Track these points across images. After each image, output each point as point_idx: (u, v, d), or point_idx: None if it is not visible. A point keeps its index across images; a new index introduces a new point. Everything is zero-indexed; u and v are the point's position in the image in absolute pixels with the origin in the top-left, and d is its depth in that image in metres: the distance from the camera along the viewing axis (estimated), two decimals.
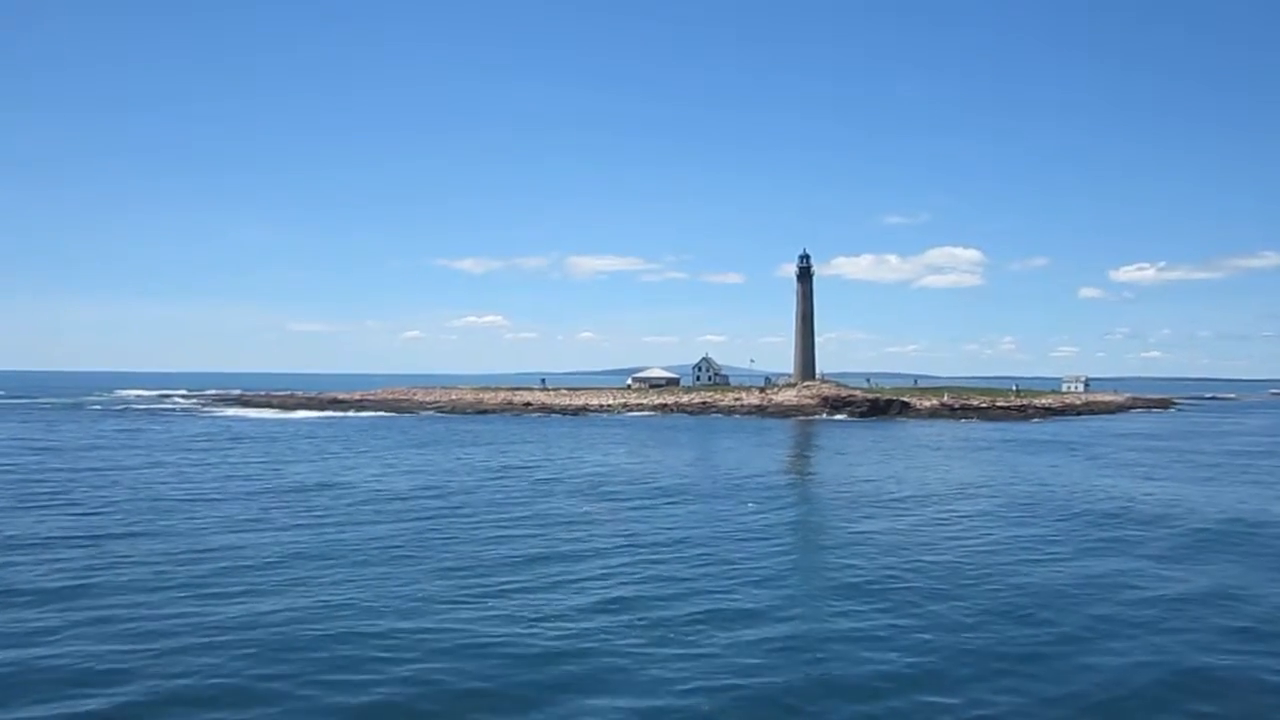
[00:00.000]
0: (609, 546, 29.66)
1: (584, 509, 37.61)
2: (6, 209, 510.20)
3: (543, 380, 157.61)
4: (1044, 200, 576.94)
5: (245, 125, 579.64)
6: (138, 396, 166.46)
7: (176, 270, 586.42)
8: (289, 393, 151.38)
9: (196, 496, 39.89)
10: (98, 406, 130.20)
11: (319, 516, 34.82)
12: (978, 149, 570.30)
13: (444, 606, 21.69)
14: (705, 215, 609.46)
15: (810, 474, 53.99)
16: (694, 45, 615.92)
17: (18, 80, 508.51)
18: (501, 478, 48.51)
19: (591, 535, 31.67)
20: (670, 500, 40.82)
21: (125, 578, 24.15)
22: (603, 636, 19.56)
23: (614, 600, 22.57)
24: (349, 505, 37.90)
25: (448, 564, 26.48)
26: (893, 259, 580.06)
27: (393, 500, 39.48)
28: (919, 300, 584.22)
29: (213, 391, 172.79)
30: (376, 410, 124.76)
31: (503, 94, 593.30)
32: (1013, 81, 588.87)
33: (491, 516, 35.39)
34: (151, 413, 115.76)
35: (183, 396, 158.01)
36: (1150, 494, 44.29)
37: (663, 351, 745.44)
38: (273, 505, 37.52)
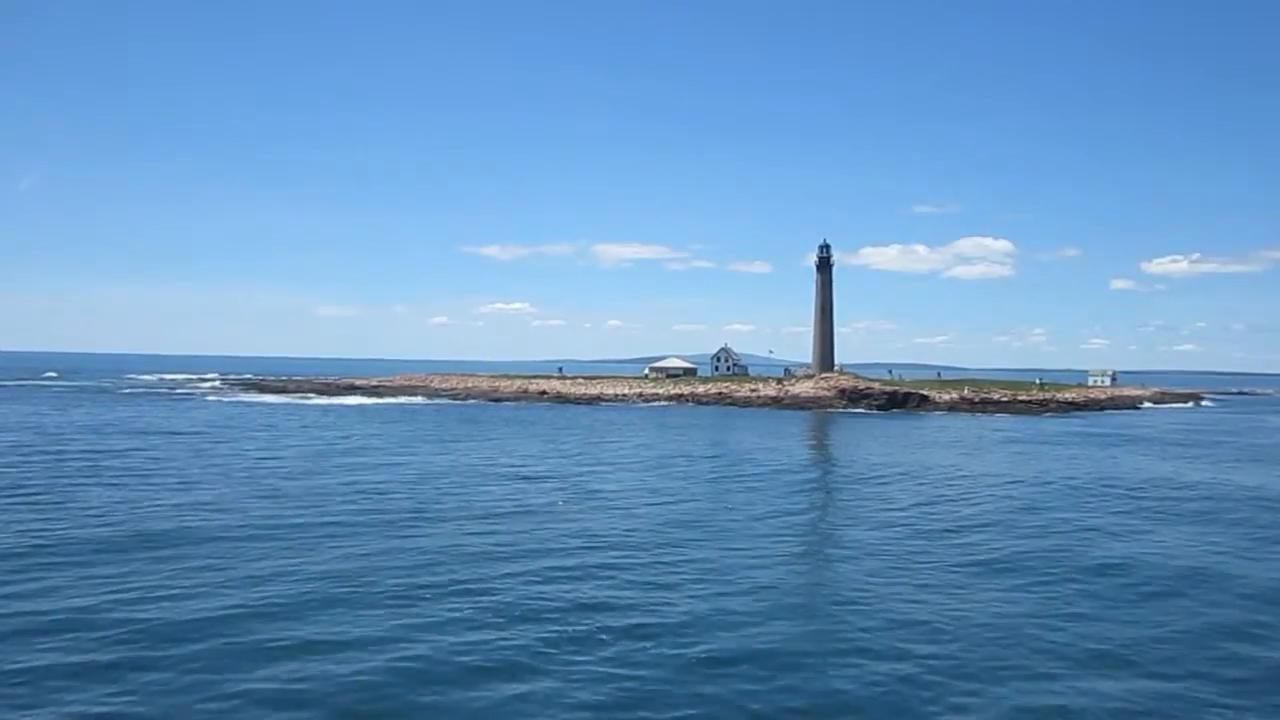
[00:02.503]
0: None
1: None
2: (43, 193, 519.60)
3: (560, 369, 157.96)
4: (1075, 191, 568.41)
5: (276, 110, 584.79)
6: (160, 380, 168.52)
7: (210, 255, 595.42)
8: (307, 378, 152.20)
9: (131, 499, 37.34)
10: (126, 390, 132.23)
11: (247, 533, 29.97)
12: (1009, 139, 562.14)
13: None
14: (733, 204, 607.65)
15: (807, 480, 52.75)
16: (724, 32, 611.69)
17: (51, 64, 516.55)
18: (475, 482, 47.77)
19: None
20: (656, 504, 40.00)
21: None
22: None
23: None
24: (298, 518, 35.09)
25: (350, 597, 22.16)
26: (921, 249, 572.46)
27: (347, 513, 33.72)
28: (948, 291, 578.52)
29: (250, 375, 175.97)
30: (393, 397, 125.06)
31: (530, 80, 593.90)
32: (1045, 72, 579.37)
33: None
34: (169, 398, 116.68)
35: (214, 382, 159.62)
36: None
37: (690, 340, 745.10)
38: (204, 512, 33.07)
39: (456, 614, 20.90)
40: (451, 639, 19.13)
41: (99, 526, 29.90)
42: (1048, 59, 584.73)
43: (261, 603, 21.41)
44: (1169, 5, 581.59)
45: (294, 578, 23.79)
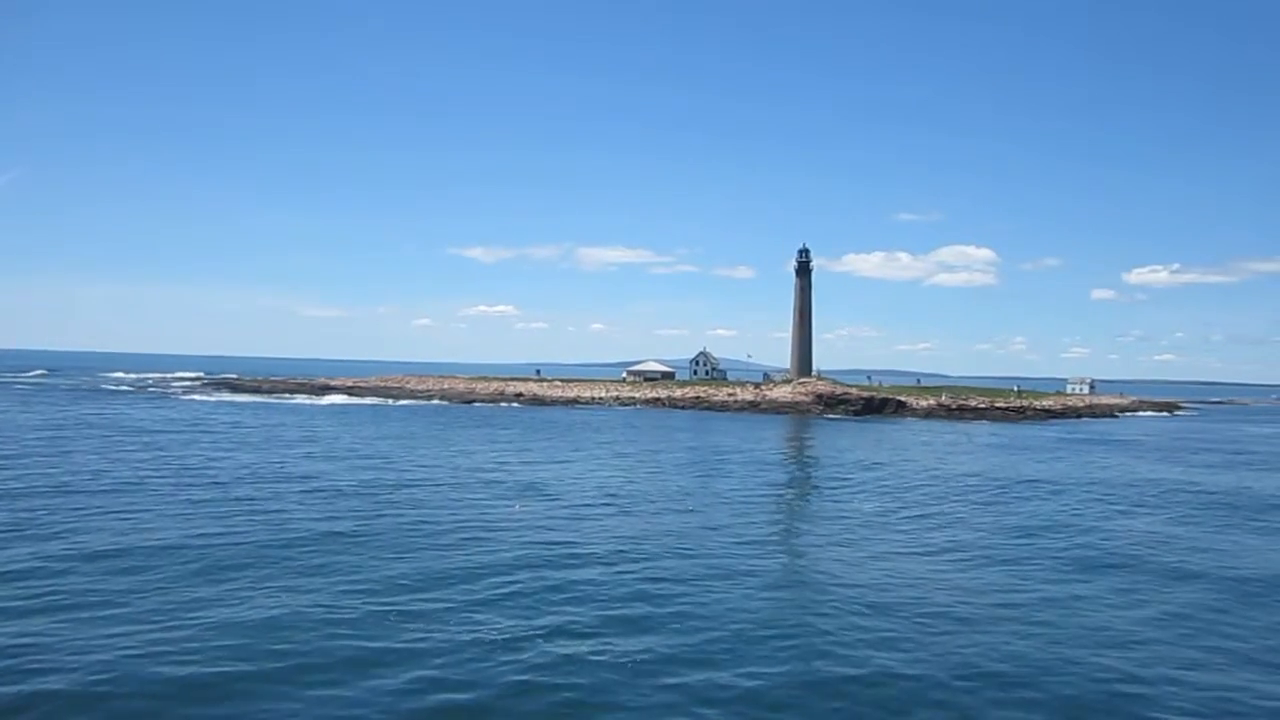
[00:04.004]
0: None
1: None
2: (34, 192, 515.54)
3: (538, 371, 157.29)
4: (1058, 200, 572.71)
5: (263, 111, 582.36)
6: (138, 378, 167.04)
7: (198, 255, 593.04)
8: (283, 378, 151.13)
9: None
10: (101, 387, 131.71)
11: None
12: (992, 148, 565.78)
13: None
14: (717, 209, 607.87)
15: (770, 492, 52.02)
16: (709, 37, 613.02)
17: (41, 61, 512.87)
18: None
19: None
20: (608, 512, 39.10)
21: None
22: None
23: None
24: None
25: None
26: (904, 256, 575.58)
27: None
28: (930, 298, 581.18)
29: (233, 375, 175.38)
30: (369, 398, 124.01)
31: (516, 83, 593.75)
32: (1029, 80, 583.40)
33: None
34: (141, 396, 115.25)
35: (189, 380, 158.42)
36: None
37: (672, 344, 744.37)
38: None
39: (410, 636, 19.31)
40: (401, 669, 17.41)
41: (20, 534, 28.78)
42: (1032, 68, 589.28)
43: (184, 630, 19.42)
44: (1154, 15, 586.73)
45: (222, 604, 21.64)
